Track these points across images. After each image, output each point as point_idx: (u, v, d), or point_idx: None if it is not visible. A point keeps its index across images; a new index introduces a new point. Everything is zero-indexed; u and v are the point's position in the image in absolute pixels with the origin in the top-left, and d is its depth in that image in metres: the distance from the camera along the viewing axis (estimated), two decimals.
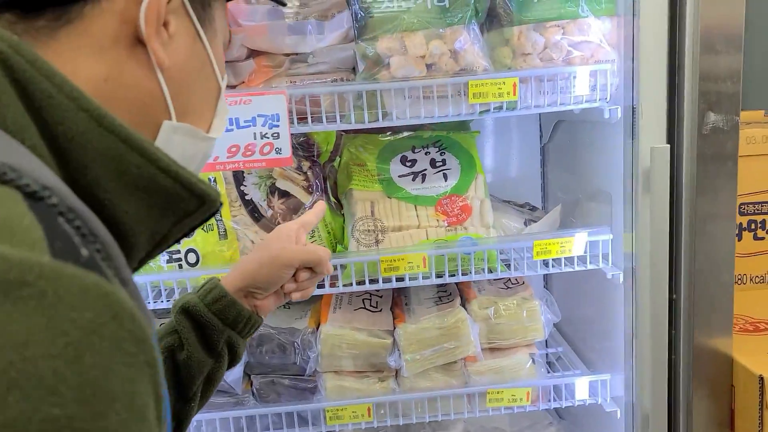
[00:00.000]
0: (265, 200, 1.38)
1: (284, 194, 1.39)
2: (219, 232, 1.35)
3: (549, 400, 1.43)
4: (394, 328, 1.42)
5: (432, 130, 1.53)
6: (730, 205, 1.13)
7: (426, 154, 1.46)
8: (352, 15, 1.22)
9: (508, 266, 1.39)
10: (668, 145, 1.13)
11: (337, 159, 1.51)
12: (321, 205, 1.01)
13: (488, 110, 1.25)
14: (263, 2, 1.23)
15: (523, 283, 1.52)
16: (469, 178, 1.42)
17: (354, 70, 1.28)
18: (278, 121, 1.19)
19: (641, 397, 1.26)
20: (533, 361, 1.45)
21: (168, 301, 1.30)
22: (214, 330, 0.85)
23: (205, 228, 1.33)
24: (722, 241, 1.15)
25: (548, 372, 1.53)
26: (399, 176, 1.43)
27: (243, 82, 1.25)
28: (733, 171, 1.12)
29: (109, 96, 0.50)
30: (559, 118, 1.61)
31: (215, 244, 1.35)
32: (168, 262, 1.34)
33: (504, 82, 1.20)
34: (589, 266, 1.33)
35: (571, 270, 1.33)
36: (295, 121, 1.22)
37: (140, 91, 0.52)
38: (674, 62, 1.13)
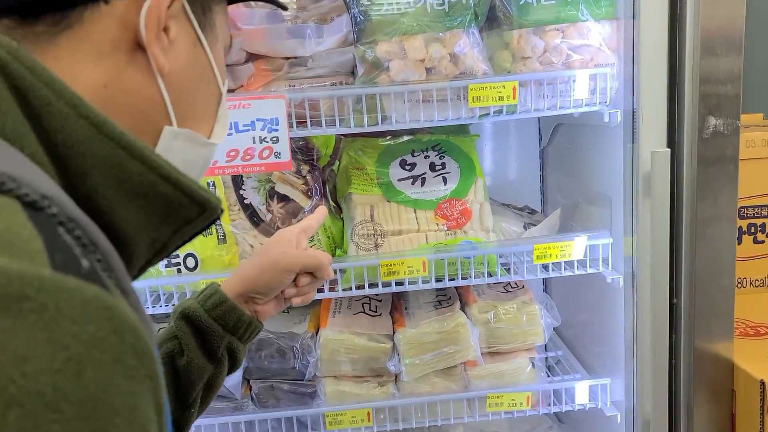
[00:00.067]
0: (264, 204, 1.37)
1: (283, 198, 1.38)
2: (218, 236, 1.35)
3: (549, 405, 1.43)
4: (394, 333, 1.41)
5: (431, 133, 1.53)
6: (730, 208, 1.13)
7: (425, 157, 1.46)
8: (351, 19, 1.22)
9: (508, 270, 1.38)
10: (669, 149, 1.13)
11: (337, 163, 1.51)
12: (322, 210, 1.00)
13: (488, 114, 1.25)
14: (262, 6, 1.23)
15: (523, 287, 1.52)
16: (469, 182, 1.42)
17: (353, 73, 1.27)
18: (277, 125, 1.18)
19: (642, 401, 1.26)
20: (533, 365, 1.45)
21: (167, 305, 1.30)
22: (214, 335, 0.84)
23: (203, 232, 1.32)
24: (723, 244, 1.14)
25: (548, 376, 1.53)
26: (398, 180, 1.42)
27: (242, 86, 1.25)
28: (734, 175, 1.11)
29: (109, 102, 0.49)
30: (559, 121, 1.61)
31: (214, 249, 1.35)
32: (166, 266, 1.33)
33: (504, 86, 1.20)
34: (589, 270, 1.33)
35: (571, 274, 1.33)
36: (294, 125, 1.21)
37: (140, 96, 0.52)
38: (674, 65, 1.13)
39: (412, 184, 1.42)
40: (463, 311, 1.44)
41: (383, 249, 1.34)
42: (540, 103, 1.23)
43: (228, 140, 1.17)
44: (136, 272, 0.51)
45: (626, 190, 1.23)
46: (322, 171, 1.46)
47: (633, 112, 1.18)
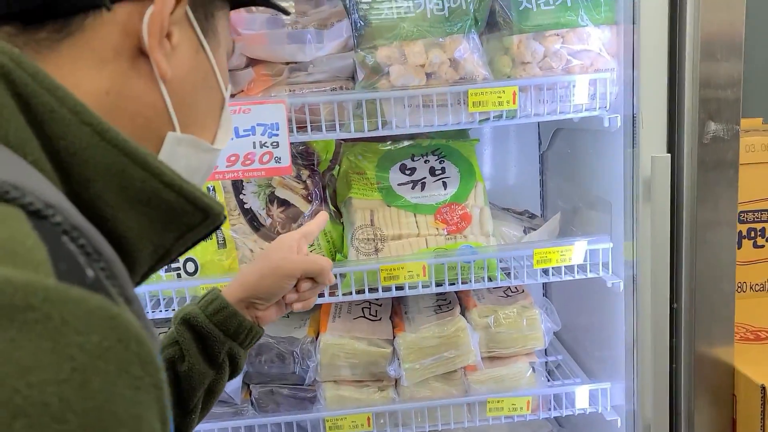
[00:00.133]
0: (264, 209, 1.37)
1: (283, 203, 1.38)
2: (218, 241, 1.35)
3: (549, 409, 1.43)
4: (394, 337, 1.41)
5: (431, 138, 1.53)
6: (730, 213, 1.13)
7: (425, 162, 1.46)
8: (351, 24, 1.22)
9: (508, 275, 1.38)
10: (669, 155, 1.13)
11: (337, 167, 1.51)
12: (323, 216, 1.00)
13: (488, 119, 1.25)
14: (263, 11, 1.23)
15: (523, 291, 1.52)
16: (469, 187, 1.42)
17: (353, 78, 1.27)
18: (277, 130, 1.18)
19: (642, 406, 1.26)
20: (533, 369, 1.45)
21: (167, 310, 1.29)
22: (215, 341, 0.84)
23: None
24: (723, 249, 1.15)
25: (548, 380, 1.53)
26: (398, 184, 1.42)
27: (242, 91, 1.25)
28: (734, 179, 1.12)
29: (112, 109, 0.49)
30: (558, 126, 1.61)
31: (214, 254, 1.35)
32: (166, 271, 1.33)
33: (503, 91, 1.20)
34: (589, 275, 1.33)
35: (571, 278, 1.33)
36: (295, 129, 1.21)
37: (143, 103, 0.52)
38: (674, 70, 1.13)
39: (412, 188, 1.42)
40: (463, 316, 1.44)
41: (383, 253, 1.34)
42: (540, 108, 1.24)
43: (228, 145, 1.15)
44: (139, 279, 0.51)
45: (626, 195, 1.23)
46: (322, 176, 1.46)
47: (633, 116, 1.18)
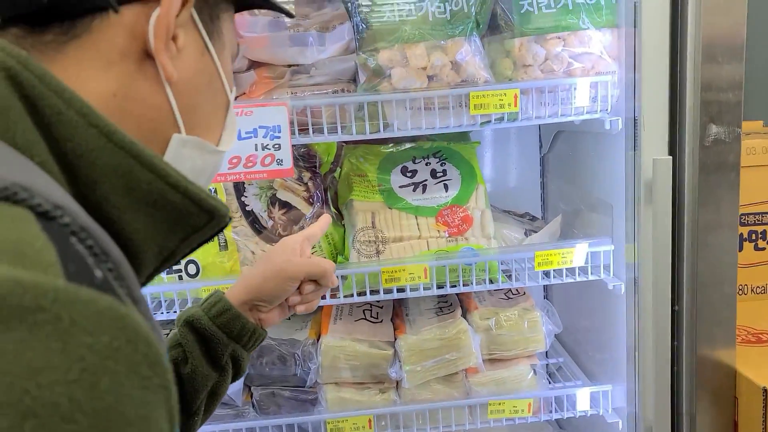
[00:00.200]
0: (265, 211, 1.37)
1: (285, 205, 1.38)
2: (219, 243, 1.35)
3: (550, 411, 1.43)
4: (395, 339, 1.41)
5: (432, 140, 1.53)
6: (732, 216, 1.13)
7: (426, 164, 1.46)
8: (353, 27, 1.23)
9: (509, 277, 1.39)
10: (670, 157, 1.14)
11: (338, 170, 1.51)
12: (325, 218, 1.00)
13: (489, 121, 1.25)
14: (265, 13, 1.23)
15: (524, 293, 1.52)
16: (470, 189, 1.42)
17: (354, 81, 1.28)
18: (279, 132, 1.19)
19: (644, 408, 1.26)
20: (534, 372, 1.45)
21: (168, 312, 1.30)
22: (218, 343, 0.84)
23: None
24: (724, 251, 1.15)
25: (549, 383, 1.53)
26: (400, 187, 1.42)
27: (244, 94, 1.25)
28: (735, 182, 1.12)
29: (118, 111, 0.49)
30: (559, 128, 1.61)
31: (215, 256, 1.35)
32: (168, 273, 1.33)
33: (505, 94, 1.20)
34: (591, 277, 1.33)
35: (572, 281, 1.33)
36: (296, 132, 1.21)
37: (149, 105, 0.52)
38: (675, 73, 1.13)
39: (414, 191, 1.42)
40: (465, 318, 1.44)
41: (384, 256, 1.34)
42: (541, 111, 1.24)
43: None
44: (144, 280, 0.51)
45: (627, 197, 1.23)
46: (324, 178, 1.47)
47: (634, 119, 1.18)
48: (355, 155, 1.48)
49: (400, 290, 1.33)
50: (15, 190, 0.35)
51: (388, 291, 1.32)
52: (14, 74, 0.43)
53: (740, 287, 1.45)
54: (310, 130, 1.21)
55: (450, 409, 1.40)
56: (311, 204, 1.39)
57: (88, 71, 0.49)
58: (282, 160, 1.20)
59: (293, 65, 1.25)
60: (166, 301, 1.30)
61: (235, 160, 1.19)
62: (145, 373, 0.32)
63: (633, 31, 1.16)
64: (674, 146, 1.15)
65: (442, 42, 1.20)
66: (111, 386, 0.30)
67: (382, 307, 1.53)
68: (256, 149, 1.19)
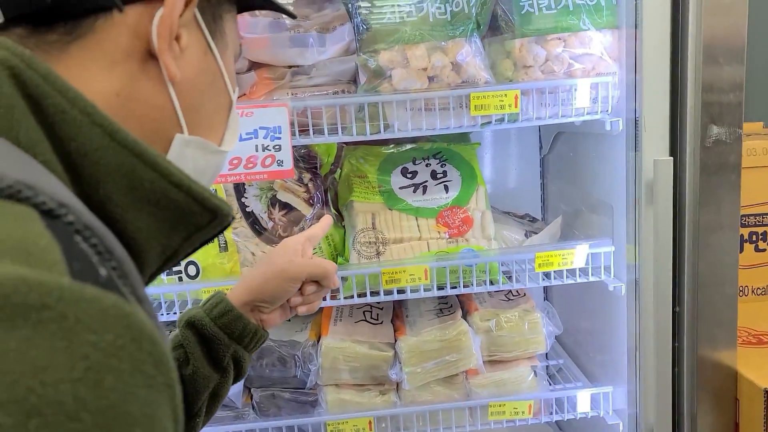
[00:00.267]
0: (266, 212, 1.37)
1: (285, 206, 1.38)
2: (219, 244, 1.34)
3: (551, 413, 1.43)
4: (395, 341, 1.41)
5: (433, 141, 1.53)
6: (733, 217, 1.13)
7: (427, 165, 1.46)
8: (353, 28, 1.23)
9: (510, 278, 1.38)
10: (671, 158, 1.14)
11: (338, 171, 1.51)
12: (327, 219, 1.00)
13: (490, 122, 1.25)
14: (265, 14, 1.23)
15: (524, 295, 1.52)
16: (470, 190, 1.42)
17: (354, 82, 1.28)
18: (280, 133, 1.19)
19: (645, 409, 1.26)
20: (535, 373, 1.45)
21: (168, 314, 1.29)
22: (220, 344, 0.84)
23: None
24: (725, 252, 1.15)
25: (550, 384, 1.52)
26: (400, 188, 1.42)
27: (244, 95, 1.25)
28: (736, 183, 1.12)
29: (121, 110, 0.49)
30: (559, 129, 1.61)
31: (215, 257, 1.34)
32: (168, 274, 1.33)
33: (505, 95, 1.20)
34: (591, 278, 1.33)
35: (573, 282, 1.33)
36: (297, 133, 1.21)
37: (151, 105, 0.52)
38: (676, 74, 1.14)
39: (414, 192, 1.42)
40: (465, 319, 1.43)
41: (385, 257, 1.34)
42: (542, 112, 1.24)
43: None
44: (147, 280, 0.51)
45: (628, 198, 1.23)
46: (324, 179, 1.47)
47: (635, 120, 1.18)
48: (356, 156, 1.48)
49: (401, 291, 1.33)
50: (19, 188, 0.34)
51: (388, 292, 1.32)
52: (18, 73, 0.43)
53: (741, 288, 1.45)
54: (311, 131, 1.21)
55: (450, 411, 1.40)
56: (311, 205, 1.39)
57: (91, 71, 0.49)
58: (282, 161, 1.20)
59: (294, 66, 1.25)
60: (166, 302, 1.30)
61: (235, 161, 1.18)
62: (150, 371, 0.32)
63: (634, 32, 1.16)
64: (675, 147, 1.15)
65: (443, 43, 1.20)
66: (115, 384, 0.30)
67: (382, 309, 1.53)
68: (257, 150, 1.19)
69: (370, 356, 1.38)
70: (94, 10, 0.48)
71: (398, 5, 1.20)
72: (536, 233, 1.49)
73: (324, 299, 1.30)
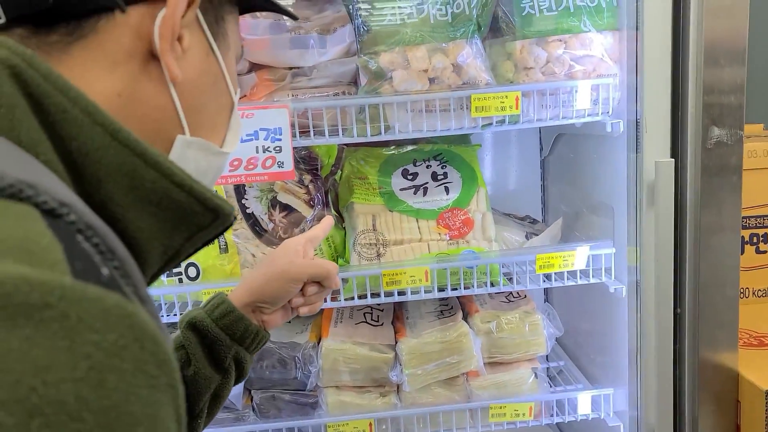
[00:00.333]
0: (266, 214, 1.37)
1: (285, 208, 1.38)
2: (219, 245, 1.34)
3: (551, 415, 1.43)
4: (396, 343, 1.41)
5: (433, 143, 1.53)
6: (734, 218, 1.13)
7: (427, 167, 1.46)
8: (354, 29, 1.23)
9: (510, 280, 1.38)
10: (673, 160, 1.14)
11: (339, 172, 1.51)
12: (328, 220, 1.00)
13: (491, 124, 1.25)
14: (266, 16, 1.23)
15: (525, 296, 1.52)
16: (471, 192, 1.42)
17: (355, 83, 1.28)
18: (280, 134, 1.18)
19: (646, 411, 1.25)
20: (535, 375, 1.45)
21: (168, 315, 1.29)
22: (221, 345, 0.84)
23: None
24: (727, 254, 1.15)
25: (550, 386, 1.52)
26: (400, 189, 1.42)
27: (245, 96, 1.25)
28: (738, 185, 1.12)
29: (123, 111, 0.49)
30: (560, 131, 1.61)
31: (216, 258, 1.34)
32: (168, 276, 1.33)
33: (506, 96, 1.20)
34: (592, 280, 1.33)
35: (574, 284, 1.33)
36: (297, 134, 1.21)
37: (153, 106, 0.51)
38: (677, 76, 1.14)
39: (414, 193, 1.42)
40: (466, 321, 1.43)
41: (385, 258, 1.33)
42: (542, 113, 1.24)
43: None
44: (149, 280, 0.51)
45: (629, 200, 1.23)
46: (325, 180, 1.46)
47: (636, 122, 1.18)
48: (356, 158, 1.48)
49: (401, 293, 1.33)
50: (21, 188, 0.34)
51: (388, 294, 1.32)
52: (19, 72, 0.42)
53: (742, 290, 1.45)
54: (311, 133, 1.21)
55: (451, 413, 1.40)
56: (312, 207, 1.39)
57: (93, 71, 0.48)
58: (283, 163, 1.20)
59: (294, 68, 1.25)
60: (166, 304, 1.30)
61: (236, 163, 1.18)
62: (153, 371, 0.32)
63: (635, 33, 1.16)
64: (676, 149, 1.15)
65: (444, 44, 1.20)
66: (118, 384, 0.30)
67: (382, 311, 1.53)
68: (257, 151, 1.18)
69: (370, 358, 1.38)
70: (96, 10, 0.48)
71: (399, 7, 1.20)
72: (537, 235, 1.49)
73: (324, 301, 1.30)
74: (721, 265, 1.15)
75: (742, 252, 1.45)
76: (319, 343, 1.41)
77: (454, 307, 1.51)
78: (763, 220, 1.45)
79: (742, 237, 1.44)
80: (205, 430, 1.34)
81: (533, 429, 1.60)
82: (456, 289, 1.33)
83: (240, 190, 1.38)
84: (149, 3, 0.50)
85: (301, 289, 0.90)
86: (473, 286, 1.33)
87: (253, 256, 1.36)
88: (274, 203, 1.38)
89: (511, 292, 1.53)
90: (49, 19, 0.47)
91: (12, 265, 0.30)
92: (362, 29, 1.21)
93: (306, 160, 1.42)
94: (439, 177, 1.44)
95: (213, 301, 0.86)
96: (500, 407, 1.38)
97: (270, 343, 1.38)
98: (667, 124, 1.15)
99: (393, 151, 1.50)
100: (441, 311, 1.50)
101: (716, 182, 1.12)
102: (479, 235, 1.38)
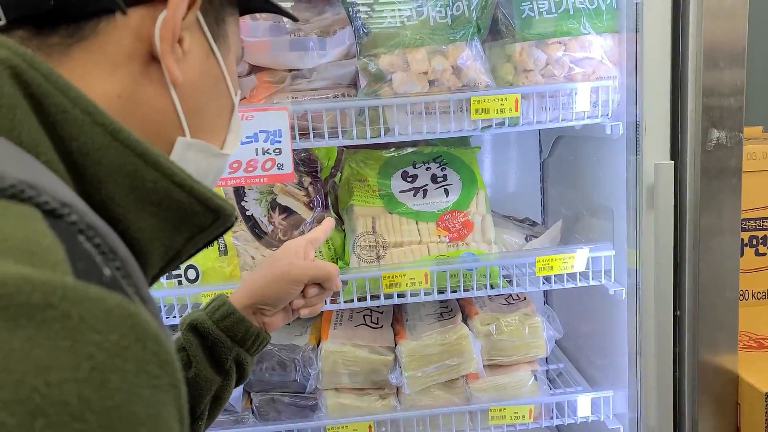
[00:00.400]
0: (266, 216, 1.37)
1: (285, 210, 1.38)
2: (219, 248, 1.34)
3: (551, 417, 1.42)
4: (396, 345, 1.41)
5: (433, 145, 1.53)
6: (733, 221, 1.13)
7: (427, 169, 1.46)
8: (354, 31, 1.23)
9: (510, 282, 1.38)
10: (672, 162, 1.14)
11: (339, 174, 1.51)
12: (329, 222, 1.00)
13: (490, 126, 1.25)
14: (266, 18, 1.23)
15: (525, 299, 1.52)
16: (471, 194, 1.42)
17: (355, 86, 1.28)
18: (280, 136, 1.18)
19: (645, 414, 1.25)
20: (535, 377, 1.44)
21: (168, 317, 1.29)
22: (222, 347, 0.83)
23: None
24: (726, 256, 1.15)
25: (550, 389, 1.52)
26: (400, 192, 1.42)
27: (245, 98, 1.25)
28: (737, 187, 1.12)
29: (123, 113, 0.49)
30: (560, 133, 1.61)
31: (215, 261, 1.34)
32: (167, 278, 1.33)
33: (506, 98, 1.20)
34: (592, 282, 1.33)
35: (573, 286, 1.33)
36: (297, 136, 1.21)
37: (154, 108, 0.51)
38: (677, 78, 1.14)
39: (414, 195, 1.42)
40: (465, 323, 1.43)
41: (385, 261, 1.33)
42: (542, 116, 1.24)
43: None
44: (150, 281, 0.51)
45: (629, 202, 1.23)
46: (324, 183, 1.46)
47: (636, 124, 1.18)
48: (356, 160, 1.48)
49: (401, 295, 1.32)
50: (22, 188, 0.34)
51: (388, 296, 1.32)
52: (19, 72, 0.42)
53: (741, 293, 1.45)
54: (311, 135, 1.21)
55: (451, 415, 1.40)
56: (311, 209, 1.39)
57: (93, 73, 0.48)
58: (283, 165, 1.20)
59: (294, 70, 1.25)
60: (165, 306, 1.30)
61: (235, 165, 1.18)
62: (155, 371, 0.32)
63: (634, 36, 1.16)
64: (676, 151, 1.15)
65: (443, 47, 1.20)
66: (120, 385, 0.30)
67: (382, 313, 1.53)
68: (257, 154, 1.18)
69: (370, 360, 1.38)
70: (97, 12, 0.48)
71: (398, 9, 1.21)
72: (536, 237, 1.49)
73: (324, 303, 1.30)
74: (721, 267, 1.15)
75: (742, 254, 1.45)
76: (318, 345, 1.41)
77: (453, 309, 1.51)
78: (763, 222, 1.45)
79: (742, 239, 1.44)
80: None
81: (532, 431, 1.60)
82: (455, 291, 1.33)
83: (239, 192, 1.38)
84: (150, 5, 0.50)
85: (302, 291, 0.90)
86: (473, 289, 1.33)
87: (253, 258, 1.36)
88: (273, 205, 1.38)
89: (510, 295, 1.53)
90: (50, 20, 0.47)
91: (13, 266, 0.30)
92: (362, 31, 1.21)
93: (306, 163, 1.42)
94: (439, 179, 1.44)
95: (214, 303, 0.86)
96: (500, 410, 1.38)
97: (269, 346, 1.37)
98: (666, 126, 1.16)
99: (393, 154, 1.50)
100: (441, 313, 1.50)
101: (716, 184, 1.12)
102: (479, 237, 1.38)
